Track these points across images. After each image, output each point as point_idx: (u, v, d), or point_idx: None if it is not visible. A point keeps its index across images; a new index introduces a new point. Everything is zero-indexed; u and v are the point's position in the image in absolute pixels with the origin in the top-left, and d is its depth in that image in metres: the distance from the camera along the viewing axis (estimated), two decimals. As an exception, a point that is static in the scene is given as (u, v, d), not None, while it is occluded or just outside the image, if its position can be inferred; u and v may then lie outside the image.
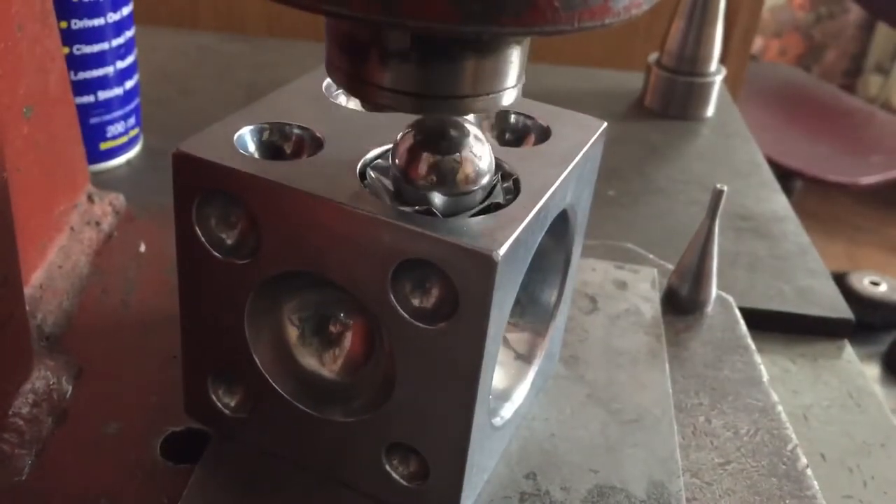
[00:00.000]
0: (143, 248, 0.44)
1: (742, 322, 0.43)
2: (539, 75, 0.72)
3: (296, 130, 0.30)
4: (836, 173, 1.64)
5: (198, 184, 0.27)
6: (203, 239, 0.28)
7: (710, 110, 0.72)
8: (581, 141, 0.31)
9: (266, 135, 0.29)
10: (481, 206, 0.27)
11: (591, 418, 0.35)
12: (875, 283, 0.97)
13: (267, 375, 0.30)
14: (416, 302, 0.26)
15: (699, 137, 0.69)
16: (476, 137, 0.27)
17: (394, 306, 0.26)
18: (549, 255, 0.33)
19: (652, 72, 0.71)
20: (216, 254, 0.28)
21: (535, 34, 0.21)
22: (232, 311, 0.29)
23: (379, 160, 0.29)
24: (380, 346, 0.30)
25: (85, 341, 0.37)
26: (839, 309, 0.49)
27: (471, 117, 0.31)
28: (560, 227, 0.31)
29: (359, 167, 0.28)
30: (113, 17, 0.51)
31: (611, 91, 0.75)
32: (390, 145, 0.28)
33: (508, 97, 0.26)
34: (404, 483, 0.30)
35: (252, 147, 0.29)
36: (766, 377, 0.39)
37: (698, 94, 0.70)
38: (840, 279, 0.94)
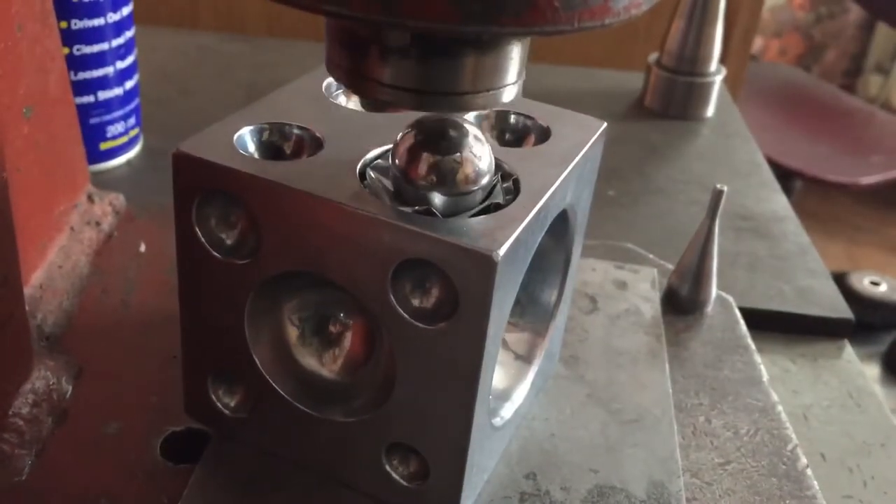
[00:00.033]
0: (143, 248, 0.44)
1: (742, 322, 0.43)
2: (539, 75, 0.72)
3: (296, 130, 0.30)
4: (836, 173, 1.64)
5: (198, 184, 0.27)
6: (203, 239, 0.28)
7: (710, 110, 0.72)
8: (581, 141, 0.31)
9: (266, 135, 0.29)
10: (481, 207, 0.27)
11: (591, 418, 0.35)
12: (875, 283, 0.97)
13: (267, 375, 0.30)
14: (416, 302, 0.26)
15: (699, 137, 0.69)
16: (476, 137, 0.27)
17: (394, 306, 0.26)
18: (549, 255, 0.33)
19: (652, 72, 0.71)
20: (216, 254, 0.28)
21: (535, 34, 0.21)
22: (232, 311, 0.29)
23: (379, 160, 0.29)
24: (380, 346, 0.30)
25: (85, 341, 0.37)
26: (839, 309, 0.49)
27: (470, 117, 0.32)
28: (560, 227, 0.31)
29: (359, 167, 0.28)
30: (113, 17, 0.51)
31: (611, 91, 0.75)
32: (390, 145, 0.28)
33: (509, 94, 0.26)
34: (404, 483, 0.30)
35: (252, 147, 0.29)
36: (766, 377, 0.39)
37: (698, 94, 0.70)
38: (840, 279, 0.94)
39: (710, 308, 0.43)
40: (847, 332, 0.48)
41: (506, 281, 0.25)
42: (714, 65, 0.70)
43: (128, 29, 0.53)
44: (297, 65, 0.67)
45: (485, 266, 0.24)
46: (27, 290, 0.36)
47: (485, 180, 0.27)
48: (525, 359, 0.34)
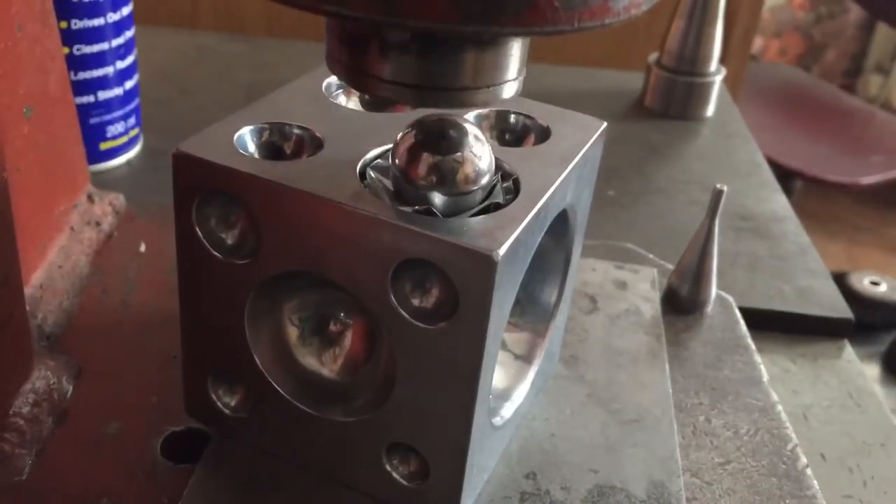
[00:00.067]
0: (143, 248, 0.44)
1: (742, 322, 0.43)
2: (539, 75, 0.72)
3: (296, 130, 0.30)
4: (836, 173, 1.64)
5: (198, 184, 0.27)
6: (203, 239, 0.28)
7: (710, 110, 0.72)
8: (581, 141, 0.31)
9: (266, 135, 0.29)
10: (481, 206, 0.27)
11: (591, 418, 0.35)
12: (875, 283, 0.97)
13: (267, 375, 0.30)
14: (416, 302, 0.26)
15: (699, 137, 0.69)
16: (476, 137, 0.27)
17: (394, 306, 0.26)
18: (549, 255, 0.33)
19: (652, 72, 0.71)
20: (216, 254, 0.28)
21: (535, 34, 0.21)
22: (232, 311, 0.29)
23: (379, 160, 0.29)
24: (380, 346, 0.30)
25: (85, 341, 0.37)
26: (839, 309, 0.49)
27: (470, 117, 0.32)
28: (560, 227, 0.31)
29: (359, 167, 0.28)
30: (113, 17, 0.51)
31: (611, 91, 0.75)
32: (390, 145, 0.28)
33: (509, 90, 0.26)
34: (404, 483, 0.30)
35: (252, 147, 0.29)
36: (766, 377, 0.39)
37: (698, 94, 0.70)
38: (840, 279, 0.94)
39: (710, 308, 0.43)
40: (847, 332, 0.48)
41: (506, 281, 0.26)
42: (714, 65, 0.70)
43: (128, 29, 0.53)
44: (297, 65, 0.67)
45: (485, 266, 0.24)
46: (27, 290, 0.36)
47: (485, 180, 0.27)
48: (525, 359, 0.34)
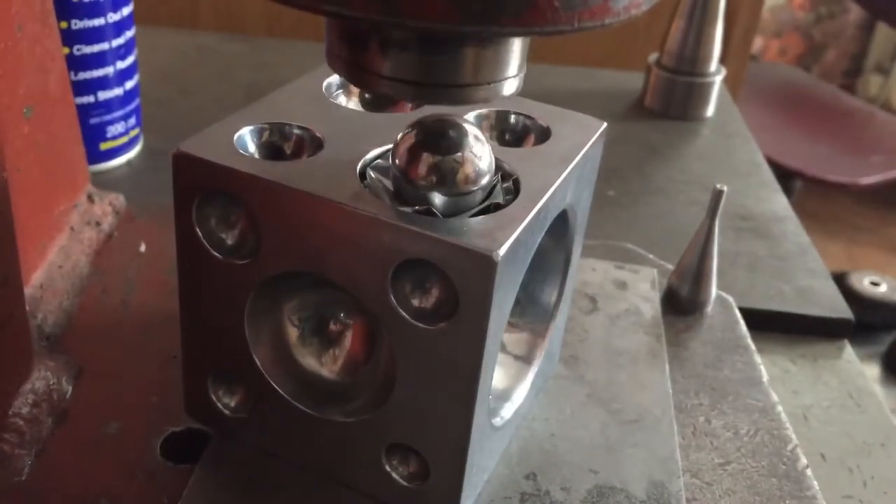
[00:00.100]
0: (143, 248, 0.44)
1: (742, 322, 0.43)
2: (539, 75, 0.72)
3: (296, 130, 0.30)
4: (836, 173, 1.64)
5: (198, 184, 0.27)
6: (203, 239, 0.28)
7: (710, 110, 0.72)
8: (581, 141, 0.31)
9: (266, 135, 0.29)
10: (481, 207, 0.27)
11: (591, 418, 0.35)
12: (875, 283, 0.98)
13: (267, 375, 0.30)
14: (416, 302, 0.26)
15: (699, 137, 0.69)
16: (476, 137, 0.27)
17: (394, 306, 0.26)
18: (549, 255, 0.33)
19: (652, 72, 0.71)
20: (216, 254, 0.28)
21: (535, 34, 0.21)
22: (232, 312, 0.29)
23: (379, 160, 0.29)
24: (380, 347, 0.30)
25: (85, 341, 0.37)
26: (839, 309, 0.49)
27: (470, 117, 0.32)
28: (560, 227, 0.31)
29: (359, 167, 0.28)
30: (113, 17, 0.51)
31: (611, 91, 0.75)
32: (390, 146, 0.28)
33: (510, 86, 0.26)
34: (404, 483, 0.30)
35: (252, 147, 0.29)
36: (766, 377, 0.39)
37: (698, 94, 0.70)
38: (840, 279, 0.94)
39: (710, 308, 0.43)
40: (847, 333, 0.48)
41: (506, 281, 0.25)
42: (714, 65, 0.70)
43: (128, 29, 0.53)
44: (297, 65, 0.67)
45: (485, 266, 0.24)
46: (27, 290, 0.36)
47: (485, 180, 0.27)
48: (525, 359, 0.34)
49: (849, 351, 0.47)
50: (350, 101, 0.33)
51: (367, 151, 0.29)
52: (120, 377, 0.36)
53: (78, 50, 0.51)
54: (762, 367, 0.40)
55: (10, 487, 0.31)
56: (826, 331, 0.48)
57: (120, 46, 0.53)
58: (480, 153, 0.27)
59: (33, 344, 0.35)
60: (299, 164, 0.28)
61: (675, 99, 0.71)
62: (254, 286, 0.28)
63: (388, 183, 0.28)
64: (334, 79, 0.33)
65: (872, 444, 0.40)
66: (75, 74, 0.51)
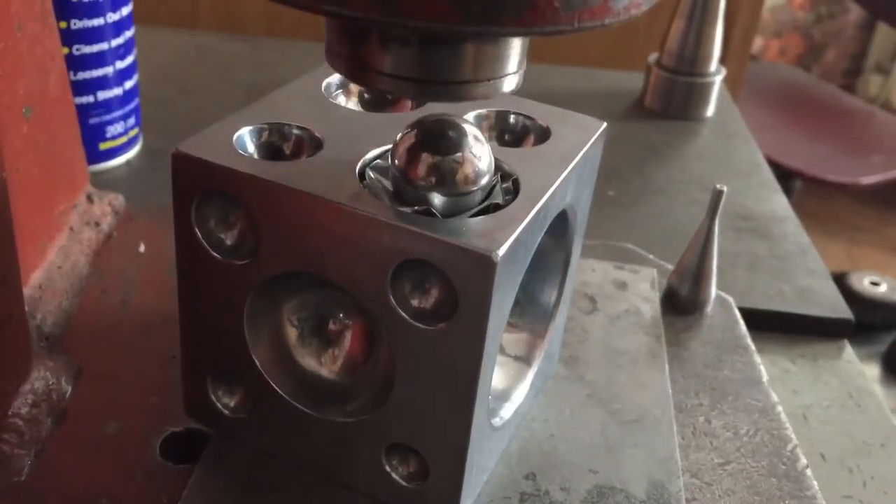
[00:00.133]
0: (142, 248, 0.44)
1: (742, 322, 0.43)
2: (539, 75, 0.72)
3: (295, 131, 0.30)
4: (836, 173, 1.64)
5: (197, 184, 0.27)
6: (202, 239, 0.28)
7: (710, 110, 0.72)
8: (581, 141, 0.31)
9: (265, 135, 0.29)
10: (481, 207, 0.27)
11: (591, 418, 0.35)
12: (875, 283, 0.97)
13: (266, 376, 0.30)
14: (415, 302, 0.26)
15: (699, 137, 0.69)
16: (476, 137, 0.27)
17: (393, 307, 0.26)
18: (549, 255, 0.33)
19: (652, 72, 0.71)
20: (215, 254, 0.28)
21: (535, 34, 0.21)
22: (231, 312, 0.29)
23: (378, 160, 0.29)
24: (379, 347, 0.30)
25: (84, 341, 0.37)
26: (839, 309, 0.49)
27: (470, 118, 0.31)
28: (560, 227, 0.31)
29: (358, 167, 0.28)
30: (113, 17, 0.51)
31: (611, 91, 0.75)
32: (390, 146, 0.28)
33: (510, 83, 0.26)
34: (404, 483, 0.30)
35: (251, 147, 0.29)
36: (765, 377, 0.39)
37: (698, 94, 0.70)
38: (840, 279, 0.94)
39: (709, 308, 0.43)
40: (847, 333, 0.48)
41: (505, 281, 0.25)
42: (714, 65, 0.70)
43: (127, 29, 0.53)
44: (297, 65, 0.66)
45: (484, 266, 0.24)
46: (26, 291, 0.36)
47: (484, 180, 0.27)
48: (524, 359, 0.34)
49: (849, 351, 0.47)
50: (349, 102, 0.33)
51: (367, 151, 0.29)
52: (119, 377, 0.36)
53: (77, 50, 0.51)
54: (762, 367, 0.40)
55: (10, 487, 0.31)
56: (826, 331, 0.48)
57: (119, 46, 0.53)
58: (480, 153, 0.27)
59: (32, 344, 0.35)
60: (299, 164, 0.28)
61: (675, 99, 0.71)
62: (253, 286, 0.28)
63: (388, 183, 0.28)
64: (334, 79, 0.33)
65: (872, 444, 0.40)
66: (75, 74, 0.51)
